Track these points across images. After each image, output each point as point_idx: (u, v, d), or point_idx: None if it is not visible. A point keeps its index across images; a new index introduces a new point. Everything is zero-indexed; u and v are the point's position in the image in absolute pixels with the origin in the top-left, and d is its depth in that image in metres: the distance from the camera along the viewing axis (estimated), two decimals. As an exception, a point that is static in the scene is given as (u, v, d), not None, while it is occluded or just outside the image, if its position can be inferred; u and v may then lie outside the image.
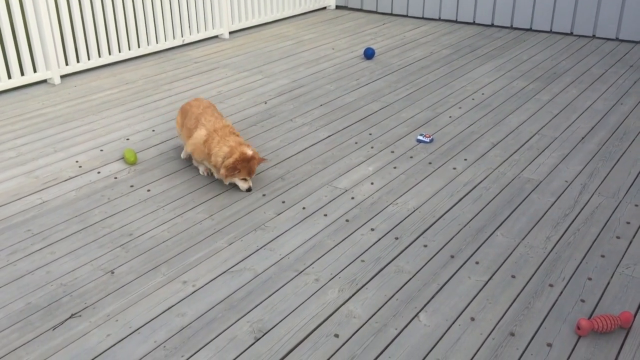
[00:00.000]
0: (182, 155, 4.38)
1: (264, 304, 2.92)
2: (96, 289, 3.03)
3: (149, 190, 3.98)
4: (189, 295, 2.98)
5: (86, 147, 4.59)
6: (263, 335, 2.72)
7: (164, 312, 2.87)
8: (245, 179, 3.88)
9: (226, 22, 7.55)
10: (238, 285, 3.06)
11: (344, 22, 8.42)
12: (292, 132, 4.86)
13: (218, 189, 3.99)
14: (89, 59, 6.27)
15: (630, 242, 3.35)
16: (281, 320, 2.81)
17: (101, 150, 4.54)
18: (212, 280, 3.09)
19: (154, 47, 6.85)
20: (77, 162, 4.37)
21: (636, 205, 3.71)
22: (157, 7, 6.69)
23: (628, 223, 3.54)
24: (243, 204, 3.81)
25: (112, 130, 4.88)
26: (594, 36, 7.46)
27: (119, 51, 6.52)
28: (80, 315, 2.84)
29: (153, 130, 4.90)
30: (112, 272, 3.15)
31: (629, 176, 4.08)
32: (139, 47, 6.68)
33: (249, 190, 3.90)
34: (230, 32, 7.74)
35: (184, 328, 2.77)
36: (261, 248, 3.36)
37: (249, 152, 3.81)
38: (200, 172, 4.16)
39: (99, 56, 6.37)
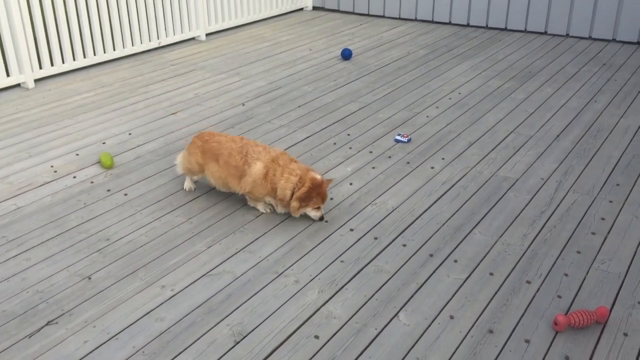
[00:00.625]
0: (187, 187, 3.96)
1: (244, 307, 2.91)
2: (73, 295, 2.99)
3: (126, 194, 3.94)
4: (167, 300, 2.95)
5: (61, 152, 4.53)
6: (243, 338, 2.71)
7: (142, 317, 2.84)
8: (319, 207, 3.53)
9: (203, 23, 7.51)
10: (217, 288, 3.04)
11: (321, 23, 8.43)
12: (270, 134, 4.85)
13: (196, 192, 3.97)
14: (63, 62, 6.19)
15: (605, 238, 3.40)
16: (261, 323, 2.80)
17: (77, 155, 4.48)
18: (191, 284, 3.07)
19: (130, 50, 6.78)
20: (52, 166, 4.31)
21: (610, 202, 3.77)
22: (133, 9, 6.63)
23: (603, 219, 3.59)
24: (221, 206, 3.79)
25: (88, 134, 4.83)
26: (567, 35, 7.57)
27: (94, 54, 6.45)
28: (56, 322, 2.80)
29: (130, 134, 4.85)
30: (89, 278, 3.11)
31: (603, 173, 4.14)
32: (114, 49, 6.61)
33: (321, 219, 3.56)
34: (207, 34, 7.70)
35: (162, 333, 2.74)
36: (240, 251, 3.35)
37: (318, 176, 3.46)
38: (262, 210, 3.69)
39: (74, 59, 6.29)
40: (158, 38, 7.06)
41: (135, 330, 2.75)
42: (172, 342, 2.69)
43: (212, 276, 3.13)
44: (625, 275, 3.08)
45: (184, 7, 7.21)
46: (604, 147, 4.53)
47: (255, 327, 2.77)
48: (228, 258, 3.28)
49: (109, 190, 3.98)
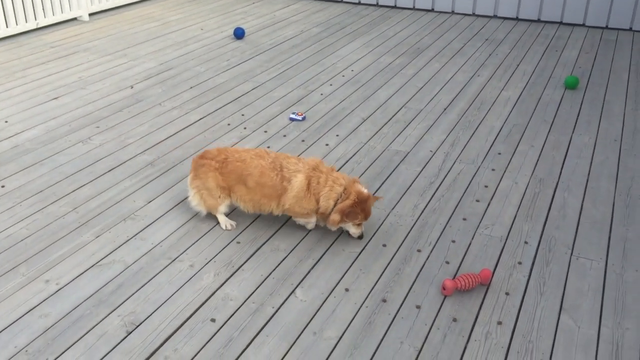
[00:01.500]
0: (226, 226, 3.32)
1: (136, 296, 2.81)
2: (-55, 297, 2.76)
3: (3, 186, 3.67)
4: (52, 295, 2.80)
5: None
6: (136, 328, 2.62)
7: (24, 314, 2.67)
8: (360, 224, 3.18)
9: (85, 3, 7.10)
10: (107, 279, 2.92)
11: (213, 1, 8.23)
12: (162, 117, 4.69)
13: (82, 180, 3.77)
14: None
15: (489, 204, 3.59)
16: (155, 311, 2.72)
17: (-55, 146, 4.13)
18: (78, 277, 2.92)
19: (4, 32, 6.29)
20: None
21: (493, 170, 3.98)
22: (4, -13, 6.15)
23: (486, 187, 3.78)
24: (110, 193, 3.63)
25: (-42, 124, 4.45)
26: (453, 12, 7.86)
27: (-37, 36, 5.94)
28: None
29: (6, 122, 4.52)
30: (-37, 278, 2.89)
31: (486, 143, 4.36)
32: (-15, 31, 6.12)
33: (360, 237, 3.22)
34: (90, 14, 7.29)
35: (48, 329, 2.60)
36: (132, 238, 3.23)
37: (365, 190, 3.12)
38: (311, 227, 3.28)
39: (-61, 42, 5.76)
40: (36, 19, 6.60)
41: (17, 329, 2.59)
42: (59, 338, 2.55)
43: (102, 267, 3.00)
44: (507, 239, 3.27)
45: (63, -15, 6.78)
46: (486, 118, 4.76)
47: (149, 316, 2.69)
48: (118, 247, 3.15)
49: (-17, 183, 3.70)
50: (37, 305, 2.73)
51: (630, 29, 7.11)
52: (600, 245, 3.21)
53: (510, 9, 7.54)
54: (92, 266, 3.00)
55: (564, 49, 6.43)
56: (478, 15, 7.73)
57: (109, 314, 2.69)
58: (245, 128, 4.53)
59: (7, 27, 6.32)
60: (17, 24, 6.41)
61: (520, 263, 3.07)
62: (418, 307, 2.78)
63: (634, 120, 4.71)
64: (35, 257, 3.05)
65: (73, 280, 2.90)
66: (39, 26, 6.67)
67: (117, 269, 2.98)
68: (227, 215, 3.36)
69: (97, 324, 2.63)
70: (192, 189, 3.29)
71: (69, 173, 3.84)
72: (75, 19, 7.14)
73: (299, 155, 4.09)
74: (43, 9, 6.67)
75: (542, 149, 4.25)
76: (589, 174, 3.93)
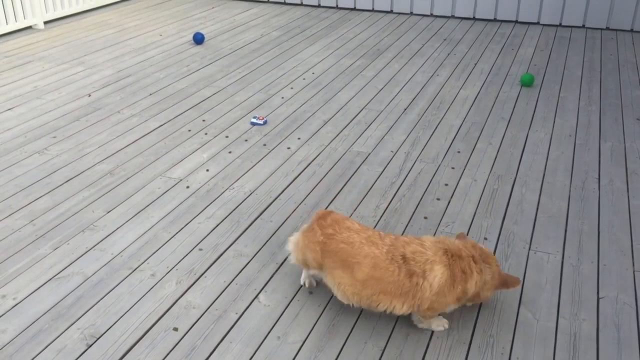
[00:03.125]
0: (305, 283, 2.91)
1: (96, 308, 2.76)
2: None
3: (-44, 201, 3.58)
4: (9, 310, 2.73)
5: None
6: (96, 341, 2.58)
7: (-20, 332, 2.61)
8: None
9: (39, 11, 6.96)
10: (66, 291, 2.86)
11: (171, 7, 8.15)
12: (120, 125, 4.63)
13: (39, 191, 3.69)
14: None
15: (449, 203, 3.64)
16: (115, 322, 2.68)
17: None
18: (35, 290, 2.86)
19: (-46, 42, 6.14)
20: None
21: (452, 168, 4.04)
22: (-47, -4, 5.99)
23: (446, 185, 3.83)
24: (68, 204, 3.56)
25: None
26: (411, 13, 7.95)
27: None
28: None
29: (-42, 134, 4.40)
30: None
31: (445, 141, 4.42)
32: None
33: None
34: (45, 22, 7.15)
35: (5, 345, 2.54)
36: (91, 249, 3.17)
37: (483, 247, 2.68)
38: (441, 329, 2.66)
39: None
40: (-12, 27, 6.44)
41: (-28, 348, 2.52)
42: (16, 354, 2.49)
43: (60, 279, 2.94)
44: (467, 235, 3.31)
45: (15, -7, 6.64)
46: (446, 117, 4.83)
47: (109, 328, 2.65)
48: (77, 258, 3.10)
49: None
50: (-7, 321, 2.67)
51: (583, 26, 7.30)
52: (557, 239, 3.29)
53: (467, 9, 7.67)
54: (50, 279, 2.94)
55: (519, 47, 6.56)
56: (436, 16, 7.84)
57: (68, 328, 2.64)
58: (206, 134, 4.50)
59: (-43, 37, 6.16)
60: (-32, 34, 6.25)
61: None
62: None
63: (587, 115, 4.84)
64: (-10, 272, 2.98)
65: (31, 294, 2.84)
66: (-9, 35, 6.51)
67: (76, 281, 2.93)
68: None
69: (56, 338, 2.58)
70: (297, 236, 2.78)
71: (25, 185, 3.76)
72: (30, 27, 6.99)
73: (261, 160, 4.09)
74: (-5, 17, 6.52)
75: (499, 146, 4.33)
76: (545, 169, 4.02)
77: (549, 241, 3.27)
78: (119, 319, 2.70)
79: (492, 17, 7.63)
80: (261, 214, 3.52)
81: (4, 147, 4.23)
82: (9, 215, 3.45)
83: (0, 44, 6.40)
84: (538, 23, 7.47)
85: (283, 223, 3.43)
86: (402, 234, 3.33)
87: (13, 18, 6.70)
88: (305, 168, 4.04)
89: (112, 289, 2.89)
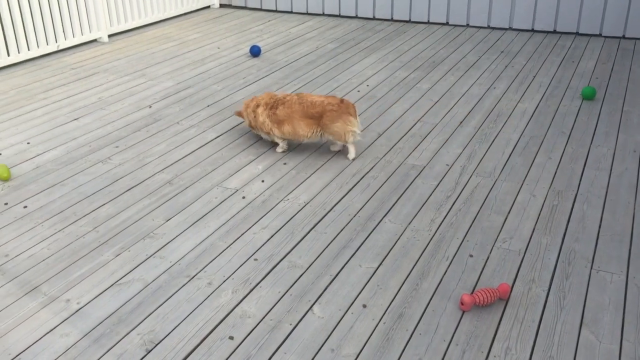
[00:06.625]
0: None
1: (155, 314, 2.83)
2: (-31, 318, 2.81)
3: (25, 207, 3.74)
4: (73, 314, 2.83)
5: (-48, 166, 4.24)
6: (155, 346, 2.64)
7: (46, 334, 2.71)
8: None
9: (104, 24, 7.24)
10: (127, 297, 2.95)
11: (229, 20, 8.34)
12: (179, 135, 4.75)
13: (102, 199, 3.83)
14: (-49, 70, 5.79)
15: (506, 218, 3.57)
16: (174, 329, 2.74)
17: (-30, 168, 4.21)
18: (98, 296, 2.96)
19: (25, 55, 6.44)
20: (-58, 183, 4.03)
21: (510, 183, 3.96)
22: (27, 11, 6.29)
23: (503, 200, 3.76)
24: (129, 212, 3.68)
25: (-18, 146, 4.55)
26: (468, 25, 7.86)
27: (-14, 60, 6.09)
28: (-49, 349, 2.63)
29: (28, 143, 4.61)
30: (-13, 298, 2.94)
31: (503, 155, 4.34)
32: (8, 55, 6.26)
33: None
34: (110, 35, 7.43)
35: (69, 348, 2.63)
36: (151, 257, 3.26)
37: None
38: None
39: (-37, 67, 5.91)
40: (56, 41, 6.74)
41: (39, 349, 2.62)
42: (79, 357, 2.58)
43: (121, 285, 3.03)
44: (525, 252, 3.24)
45: (82, 8, 6.92)
46: (503, 130, 4.75)
47: (168, 334, 2.71)
48: (138, 265, 3.19)
49: (6, 204, 3.77)
50: (58, 325, 2.77)
51: (648, 37, 7.06)
52: (620, 258, 3.17)
53: (526, 21, 7.53)
54: (112, 285, 3.04)
55: (580, 60, 6.39)
56: (493, 28, 7.73)
57: (129, 333, 2.72)
58: (261, 145, 4.57)
59: (28, 49, 6.46)
60: (38, 47, 6.56)
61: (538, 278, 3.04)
62: (436, 322, 2.76)
63: (653, 130, 4.66)
64: (56, 277, 3.10)
65: (93, 299, 2.93)
66: (59, 48, 6.81)
67: (136, 288, 3.02)
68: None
69: (117, 343, 2.66)
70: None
71: (89, 193, 3.91)
72: (95, 40, 7.28)
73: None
74: (64, 31, 6.81)
75: (560, 161, 4.22)
76: (608, 185, 3.89)
77: (612, 260, 3.15)
78: (177, 326, 2.76)
79: (551, 29, 7.46)
80: (315, 225, 3.54)
81: (69, 156, 4.41)
82: (74, 222, 3.59)
83: (67, 57, 6.69)
84: (600, 35, 7.26)
85: (337, 235, 3.44)
86: (458, 249, 3.29)
87: (80, 31, 6.99)
88: (360, 180, 4.04)
89: (171, 296, 2.96)
